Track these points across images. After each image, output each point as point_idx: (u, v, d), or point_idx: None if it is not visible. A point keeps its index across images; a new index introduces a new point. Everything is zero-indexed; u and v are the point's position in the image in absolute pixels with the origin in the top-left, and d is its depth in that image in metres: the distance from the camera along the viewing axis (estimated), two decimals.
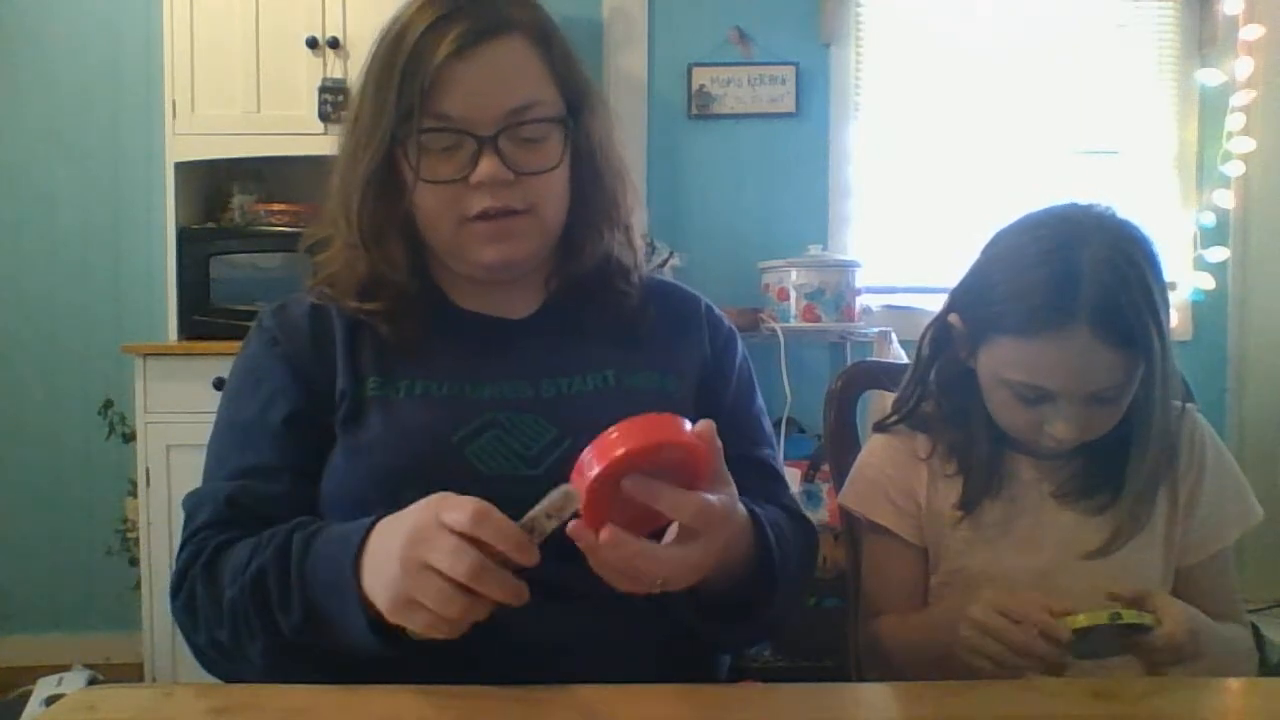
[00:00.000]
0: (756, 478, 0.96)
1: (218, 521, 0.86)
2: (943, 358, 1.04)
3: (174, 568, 0.86)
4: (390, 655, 0.73)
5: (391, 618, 0.70)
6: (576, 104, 0.93)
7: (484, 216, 0.88)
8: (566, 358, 0.94)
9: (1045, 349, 0.90)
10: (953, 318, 1.01)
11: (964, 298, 1.01)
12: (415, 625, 0.69)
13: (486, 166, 0.86)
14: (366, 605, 0.72)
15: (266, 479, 0.87)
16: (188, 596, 0.83)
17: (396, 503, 0.81)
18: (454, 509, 0.69)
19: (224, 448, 0.91)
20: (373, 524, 0.75)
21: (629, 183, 1.00)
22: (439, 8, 0.88)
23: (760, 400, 1.05)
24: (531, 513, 0.68)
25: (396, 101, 0.87)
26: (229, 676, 0.83)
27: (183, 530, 0.88)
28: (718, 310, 1.07)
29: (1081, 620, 0.78)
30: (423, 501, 0.71)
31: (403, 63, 0.86)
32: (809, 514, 1.00)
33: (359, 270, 0.94)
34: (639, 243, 1.03)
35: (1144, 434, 0.93)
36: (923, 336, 1.06)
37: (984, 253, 1.00)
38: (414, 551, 0.68)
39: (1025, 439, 0.98)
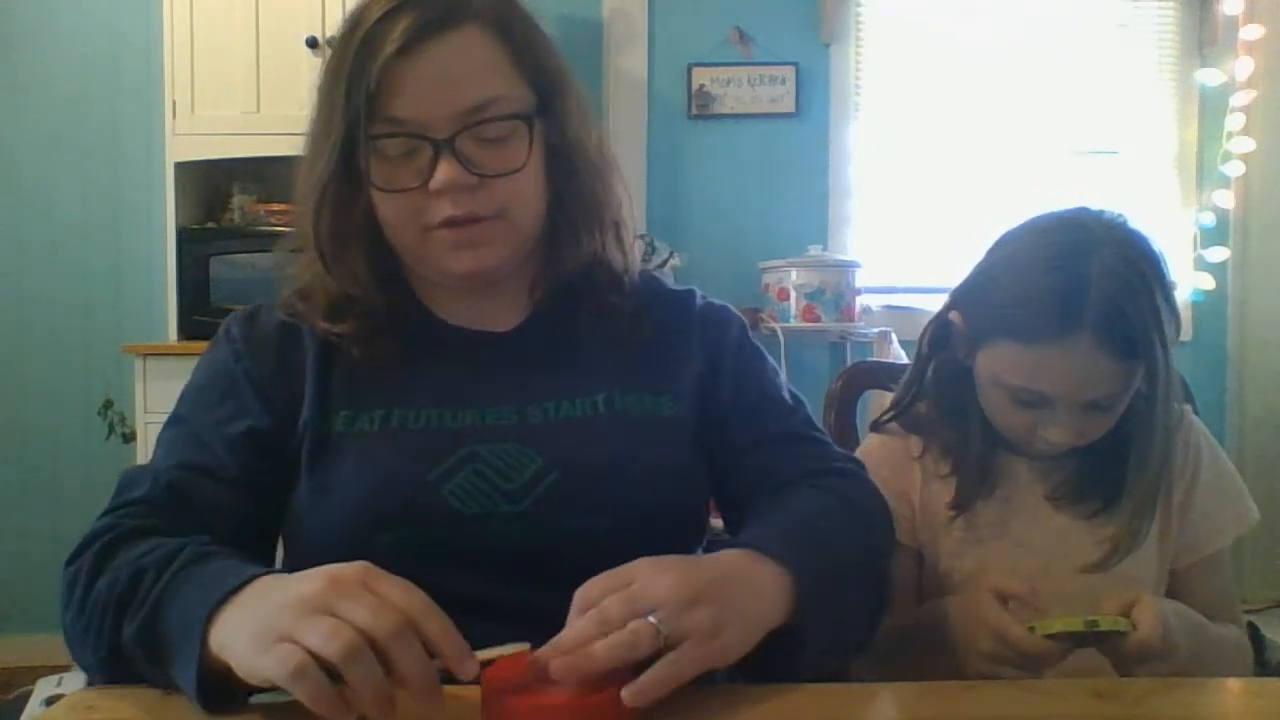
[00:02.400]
0: (787, 450, 0.90)
1: (149, 501, 0.79)
2: (941, 356, 1.04)
3: (81, 536, 0.77)
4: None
5: (248, 657, 0.59)
6: (547, 95, 0.86)
7: (450, 224, 0.82)
8: (555, 379, 0.88)
9: (1047, 355, 0.90)
10: (954, 315, 1.01)
11: (966, 298, 1.00)
12: (272, 670, 0.56)
13: (445, 171, 0.79)
14: (207, 657, 0.62)
15: (213, 480, 0.81)
16: (75, 570, 0.74)
17: (369, 546, 0.76)
18: (393, 581, 0.61)
19: (176, 441, 0.85)
20: (263, 572, 0.66)
21: (614, 177, 0.92)
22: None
23: (771, 372, 0.96)
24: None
25: (345, 104, 0.80)
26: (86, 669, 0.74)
27: (111, 501, 0.81)
28: (706, 299, 0.98)
29: (1057, 626, 0.78)
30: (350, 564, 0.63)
31: (350, 60, 0.80)
32: None
33: (329, 287, 0.88)
34: (629, 241, 0.95)
35: (1146, 444, 0.93)
36: (923, 334, 1.06)
37: (989, 254, 0.99)
38: (322, 595, 0.59)
39: (1019, 441, 0.98)
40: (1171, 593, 1.01)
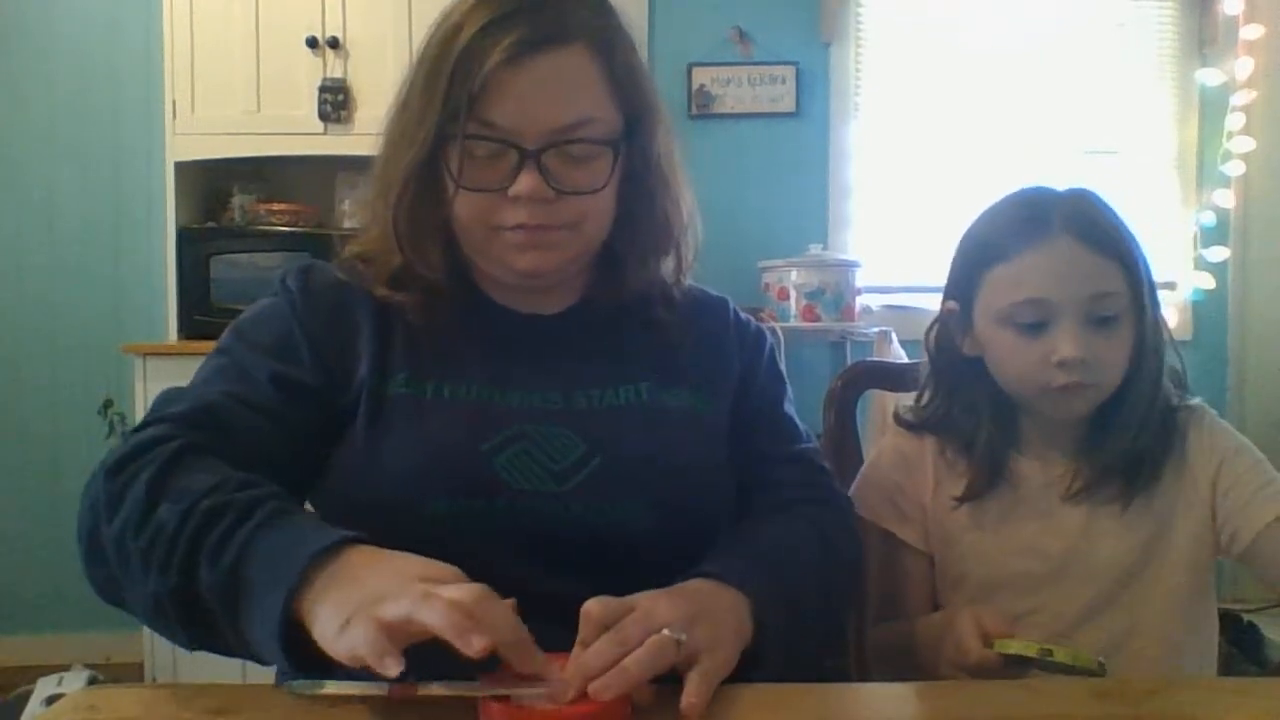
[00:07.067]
0: (796, 471, 0.96)
1: (188, 420, 0.79)
2: (945, 355, 1.05)
3: (123, 445, 0.77)
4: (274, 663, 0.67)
5: (332, 630, 0.62)
6: (635, 120, 0.89)
7: (519, 228, 0.85)
8: (599, 366, 0.91)
9: (1032, 261, 0.94)
10: (948, 304, 1.03)
11: (951, 279, 1.03)
12: (357, 645, 0.60)
13: (526, 181, 0.82)
14: (294, 615, 0.65)
15: (253, 410, 0.82)
16: (124, 481, 0.73)
17: (419, 511, 0.80)
18: (464, 584, 0.64)
19: (218, 370, 0.86)
20: (354, 538, 0.69)
21: (685, 202, 0.95)
22: (497, 7, 0.83)
23: (789, 396, 1.02)
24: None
25: (444, 101, 0.83)
26: (109, 597, 0.75)
27: (147, 415, 0.81)
28: (743, 313, 1.05)
29: (1014, 647, 0.79)
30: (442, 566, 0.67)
31: (454, 62, 0.82)
32: None
33: (393, 261, 0.90)
34: (689, 257, 0.98)
35: (1141, 380, 0.96)
36: (926, 336, 1.07)
37: (960, 239, 1.04)
38: (421, 579, 0.64)
39: (1035, 385, 0.96)
40: (1262, 567, 0.97)
